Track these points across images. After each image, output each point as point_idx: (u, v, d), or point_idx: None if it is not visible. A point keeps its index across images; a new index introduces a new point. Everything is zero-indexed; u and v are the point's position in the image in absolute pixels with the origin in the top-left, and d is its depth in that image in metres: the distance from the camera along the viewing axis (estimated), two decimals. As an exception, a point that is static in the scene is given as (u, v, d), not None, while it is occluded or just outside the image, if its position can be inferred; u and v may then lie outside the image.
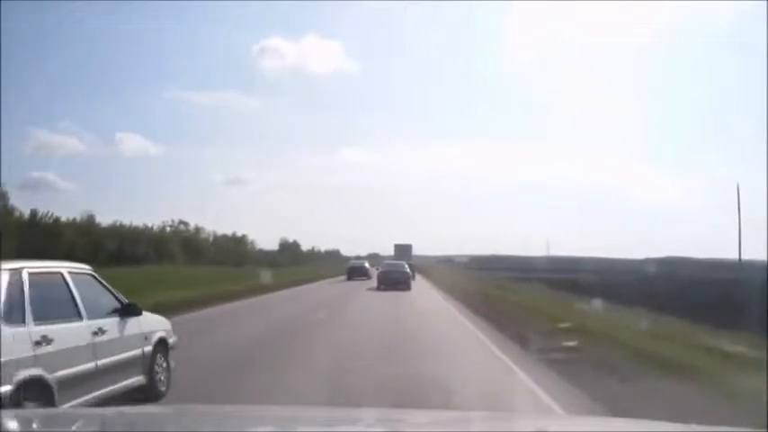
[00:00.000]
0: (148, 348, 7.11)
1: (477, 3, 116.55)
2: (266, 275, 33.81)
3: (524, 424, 3.21)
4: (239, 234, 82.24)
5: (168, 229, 67.46)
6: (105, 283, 6.80)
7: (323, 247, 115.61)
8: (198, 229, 73.80)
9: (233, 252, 75.01)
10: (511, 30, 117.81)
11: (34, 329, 5.29)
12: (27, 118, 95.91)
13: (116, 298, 6.83)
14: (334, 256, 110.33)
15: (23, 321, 5.24)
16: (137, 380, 6.84)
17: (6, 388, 4.71)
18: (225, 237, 78.74)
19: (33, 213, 45.80)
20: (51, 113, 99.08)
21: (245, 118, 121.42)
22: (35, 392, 5.06)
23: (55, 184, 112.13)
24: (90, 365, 5.95)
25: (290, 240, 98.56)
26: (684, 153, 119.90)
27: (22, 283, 5.40)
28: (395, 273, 32.76)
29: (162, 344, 7.47)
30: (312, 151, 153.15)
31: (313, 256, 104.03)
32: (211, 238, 75.77)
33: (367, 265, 46.91)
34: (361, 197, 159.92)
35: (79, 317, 6.02)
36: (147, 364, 7.04)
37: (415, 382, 7.52)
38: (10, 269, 5.39)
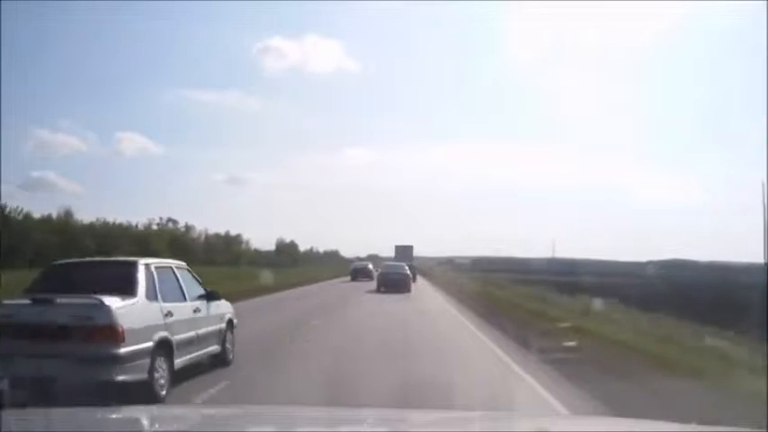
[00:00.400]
0: (222, 325, 9.31)
1: (478, 3, 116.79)
2: (266, 275, 32.96)
3: (524, 424, 3.21)
4: (233, 233, 79.76)
5: (155, 226, 65.10)
6: (195, 275, 9.01)
7: (321, 247, 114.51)
8: (188, 228, 71.37)
9: (226, 252, 72.81)
10: (512, 30, 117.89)
11: (163, 305, 7.47)
12: (28, 117, 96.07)
13: (201, 285, 9.05)
14: (332, 256, 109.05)
15: (156, 299, 7.40)
16: (215, 348, 8.97)
17: (149, 344, 6.86)
18: (217, 236, 76.31)
19: (1, 208, 41.67)
20: (52, 112, 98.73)
21: (246, 118, 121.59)
22: (164, 349, 7.19)
23: (55, 184, 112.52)
24: (192, 334, 8.12)
25: (287, 241, 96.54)
26: (688, 154, 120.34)
27: (152, 273, 7.57)
28: (395, 275, 31.88)
29: (230, 323, 9.65)
30: (312, 151, 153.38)
31: (311, 256, 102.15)
32: (203, 237, 73.44)
33: (370, 266, 47.09)
34: (361, 197, 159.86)
35: (184, 299, 8.22)
36: (221, 337, 9.20)
37: None
38: (145, 263, 7.61)
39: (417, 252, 63.28)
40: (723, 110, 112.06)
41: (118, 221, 58.91)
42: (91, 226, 52.89)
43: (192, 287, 8.65)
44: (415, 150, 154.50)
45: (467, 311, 20.25)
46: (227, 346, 9.36)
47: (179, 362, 7.63)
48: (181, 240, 65.21)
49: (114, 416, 3.01)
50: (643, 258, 67.60)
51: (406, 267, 33.99)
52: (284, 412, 3.56)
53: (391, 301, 24.28)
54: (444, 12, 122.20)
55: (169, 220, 68.76)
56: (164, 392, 7.12)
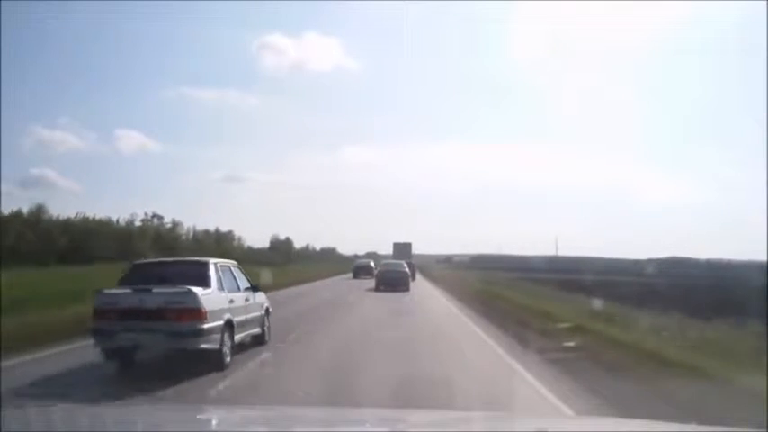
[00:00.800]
0: (262, 312, 11.41)
1: (479, 2, 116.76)
2: (266, 275, 31.78)
3: (524, 424, 3.20)
4: (224, 230, 76.88)
5: (139, 223, 62.10)
6: (244, 271, 11.15)
7: (319, 245, 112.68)
8: (175, 224, 68.08)
9: (215, 249, 66.70)
10: (513, 29, 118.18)
11: (227, 294, 9.56)
12: (26, 114, 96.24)
13: (248, 280, 11.07)
14: (329, 254, 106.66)
15: (223, 289, 9.50)
16: (258, 330, 11.07)
17: (220, 322, 8.83)
18: (207, 233, 73.19)
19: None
20: (51, 110, 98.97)
21: (245, 115, 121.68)
22: (229, 327, 9.20)
23: (55, 182, 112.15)
24: (244, 317, 10.15)
25: (282, 238, 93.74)
26: (688, 153, 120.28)
27: (218, 269, 9.74)
28: (394, 273, 31.48)
29: (267, 310, 11.71)
30: (311, 149, 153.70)
31: (307, 254, 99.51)
32: (191, 234, 70.37)
33: (372, 263, 47.58)
34: (359, 195, 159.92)
35: (239, 289, 10.31)
36: (262, 321, 11.32)
37: None
38: (214, 262, 9.86)
39: (415, 250, 62.82)
40: (723, 109, 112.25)
41: (98, 217, 56.43)
42: (67, 222, 50.82)
43: (242, 281, 10.76)
44: (415, 149, 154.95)
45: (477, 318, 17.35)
46: (265, 329, 11.44)
47: (237, 338, 9.73)
48: (166, 237, 62.73)
49: (114, 416, 3.01)
50: (643, 256, 67.48)
51: (405, 265, 33.43)
52: (284, 412, 3.56)
53: (393, 304, 22.07)
54: (445, 11, 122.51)
55: (154, 215, 65.43)
56: (228, 360, 9.04)
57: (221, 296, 9.38)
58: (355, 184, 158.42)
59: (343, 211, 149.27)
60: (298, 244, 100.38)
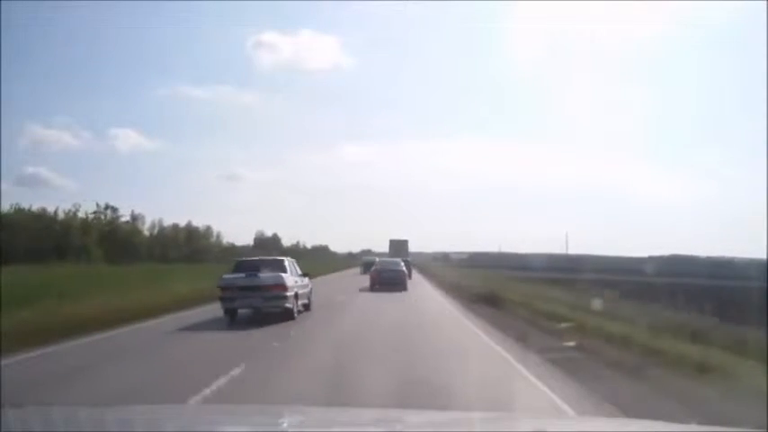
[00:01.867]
0: (309, 290, 18.09)
1: (477, 1, 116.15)
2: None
3: (524, 424, 3.20)
4: (200, 225, 71.41)
5: (90, 216, 55.79)
6: (297, 264, 18.07)
7: (312, 242, 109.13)
8: (135, 217, 62.43)
9: (185, 246, 63.91)
10: (510, 28, 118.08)
11: (294, 277, 16.25)
12: (22, 113, 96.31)
13: (299, 269, 17.71)
14: (321, 252, 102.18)
15: (292, 274, 16.35)
16: (306, 301, 17.49)
17: (293, 293, 15.56)
18: (176, 228, 67.35)
19: None
20: (46, 109, 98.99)
21: (241, 113, 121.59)
22: (296, 296, 15.76)
23: (50, 180, 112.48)
24: (302, 291, 16.76)
25: (268, 234, 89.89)
26: (691, 152, 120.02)
27: (288, 262, 17.00)
28: (390, 272, 30.35)
29: (311, 290, 18.33)
30: (307, 147, 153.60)
31: (297, 252, 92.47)
32: (155, 230, 64.81)
33: (377, 260, 47.64)
34: (355, 192, 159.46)
35: (298, 275, 17.11)
36: (309, 296, 17.96)
37: None
38: (288, 259, 17.43)
39: (411, 247, 62.15)
40: (724, 108, 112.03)
41: (35, 207, 51.93)
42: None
43: (298, 270, 17.60)
44: (412, 146, 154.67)
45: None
46: (310, 301, 18.20)
47: (299, 304, 16.35)
48: (116, 233, 56.39)
49: (114, 416, 3.01)
50: (644, 254, 67.07)
51: (402, 264, 32.31)
52: (283, 412, 3.56)
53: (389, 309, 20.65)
54: (442, 9, 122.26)
55: (108, 207, 59.42)
56: (296, 314, 15.62)
57: (292, 278, 16.16)
58: (351, 182, 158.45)
59: (337, 209, 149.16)
60: (289, 241, 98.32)
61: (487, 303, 20.15)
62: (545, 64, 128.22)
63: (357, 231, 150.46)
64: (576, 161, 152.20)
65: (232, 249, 73.37)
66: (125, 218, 61.54)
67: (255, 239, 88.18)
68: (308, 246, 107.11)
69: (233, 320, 15.02)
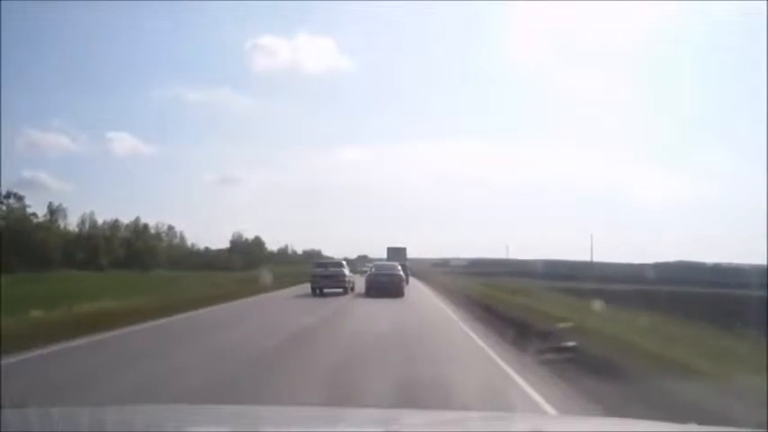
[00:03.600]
0: (353, 280, 32.17)
1: (476, 1, 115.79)
2: (266, 275, 34.86)
3: (522, 424, 3.21)
4: (157, 223, 59.59)
5: None
6: (345, 264, 33.49)
7: (307, 246, 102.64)
8: (55, 211, 49.92)
9: (128, 248, 53.02)
10: (508, 28, 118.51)
11: (347, 271, 31.52)
12: (19, 117, 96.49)
13: (344, 265, 32.88)
14: (314, 257, 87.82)
15: (347, 268, 31.80)
16: (352, 285, 31.31)
17: (348, 279, 31.25)
18: (116, 225, 54.52)
19: None
20: (43, 112, 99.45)
21: (237, 116, 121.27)
22: (349, 282, 30.96)
23: (47, 184, 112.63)
24: (350, 280, 31.45)
25: (248, 238, 79.93)
26: (691, 152, 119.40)
27: (344, 263, 33.15)
28: (385, 277, 28.65)
29: (351, 280, 32.00)
30: (304, 150, 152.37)
31: (286, 258, 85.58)
32: (86, 225, 51.82)
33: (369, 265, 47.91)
34: (352, 197, 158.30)
35: (346, 269, 31.74)
36: (352, 283, 31.57)
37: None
38: (343, 260, 33.92)
39: (410, 254, 61.64)
40: (724, 106, 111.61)
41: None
42: None
43: (347, 267, 31.78)
44: (409, 149, 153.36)
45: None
46: (350, 287, 30.68)
47: (350, 288, 30.51)
48: (14, 230, 45.16)
49: (114, 416, 3.03)
50: (648, 260, 66.29)
51: (399, 268, 30.44)
52: (282, 412, 3.57)
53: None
54: (439, 8, 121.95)
55: (10, 195, 48.27)
56: (350, 292, 29.84)
57: (346, 271, 30.74)
58: (348, 185, 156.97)
59: (334, 212, 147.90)
60: (275, 245, 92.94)
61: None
62: (545, 62, 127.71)
63: (354, 236, 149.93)
64: (579, 164, 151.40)
65: (195, 254, 65.44)
66: (34, 210, 49.46)
67: (232, 242, 79.61)
68: (299, 251, 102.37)
69: (317, 294, 28.63)
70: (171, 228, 63.99)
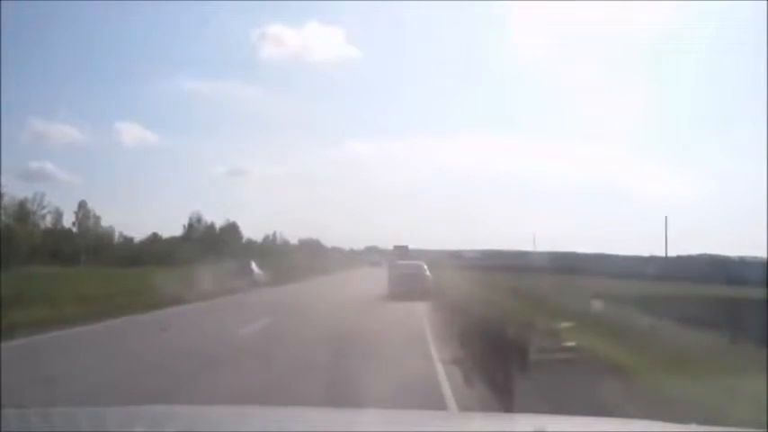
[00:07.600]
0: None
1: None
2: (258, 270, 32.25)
3: (522, 424, 3.21)
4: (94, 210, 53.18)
5: None
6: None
7: (299, 237, 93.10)
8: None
9: (60, 243, 49.43)
10: (516, 21, 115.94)
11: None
12: (25, 107, 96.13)
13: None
14: (312, 248, 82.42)
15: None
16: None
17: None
18: (58, 214, 50.01)
19: None
20: (49, 102, 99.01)
21: (246, 107, 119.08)
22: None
23: (54, 174, 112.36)
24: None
25: (214, 222, 69.73)
26: (693, 148, 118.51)
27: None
28: (411, 277, 25.87)
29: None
30: (313, 142, 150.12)
31: (268, 248, 72.97)
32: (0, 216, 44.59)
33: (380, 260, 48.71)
34: (359, 189, 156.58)
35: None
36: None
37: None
38: (421, 263, 29.32)
39: (418, 246, 61.54)
40: (725, 106, 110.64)
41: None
42: None
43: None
44: (419, 141, 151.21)
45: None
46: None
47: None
48: None
49: (114, 416, 3.03)
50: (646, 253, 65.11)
51: (425, 267, 27.71)
52: (281, 412, 3.58)
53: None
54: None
55: None
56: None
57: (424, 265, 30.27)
58: (356, 177, 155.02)
59: (342, 204, 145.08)
60: (259, 233, 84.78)
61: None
62: (555, 56, 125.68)
63: (361, 227, 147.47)
64: (590, 159, 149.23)
65: (129, 245, 57.76)
66: (48, 200, 45.84)
67: (189, 226, 69.24)
68: (294, 240, 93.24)
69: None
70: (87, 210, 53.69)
